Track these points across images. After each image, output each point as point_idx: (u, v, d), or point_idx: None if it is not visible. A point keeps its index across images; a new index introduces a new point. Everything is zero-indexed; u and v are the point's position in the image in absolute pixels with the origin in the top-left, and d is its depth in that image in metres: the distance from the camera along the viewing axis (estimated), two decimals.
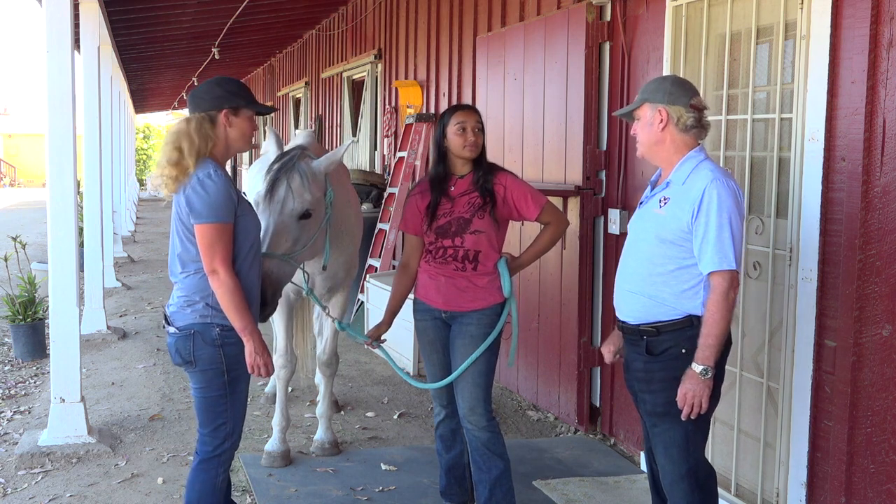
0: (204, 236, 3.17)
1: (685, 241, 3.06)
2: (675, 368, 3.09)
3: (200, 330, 3.24)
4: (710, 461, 3.32)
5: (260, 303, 3.61)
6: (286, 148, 4.27)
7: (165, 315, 3.35)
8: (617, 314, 3.31)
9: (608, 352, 3.44)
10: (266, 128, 4.16)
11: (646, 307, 3.15)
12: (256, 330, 3.28)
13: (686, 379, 3.03)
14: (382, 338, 4.03)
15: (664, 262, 3.10)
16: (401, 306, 4.03)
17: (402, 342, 6.85)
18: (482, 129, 3.83)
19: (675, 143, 3.13)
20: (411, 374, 6.69)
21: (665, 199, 3.12)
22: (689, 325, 3.08)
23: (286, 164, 3.92)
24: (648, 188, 3.29)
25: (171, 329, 3.29)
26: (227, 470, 3.44)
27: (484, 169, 3.82)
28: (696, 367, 3.01)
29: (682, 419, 3.07)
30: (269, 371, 3.30)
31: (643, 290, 3.15)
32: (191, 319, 3.25)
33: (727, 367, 3.27)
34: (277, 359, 4.88)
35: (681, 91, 3.12)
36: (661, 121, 3.12)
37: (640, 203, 3.29)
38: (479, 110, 3.93)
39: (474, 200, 3.77)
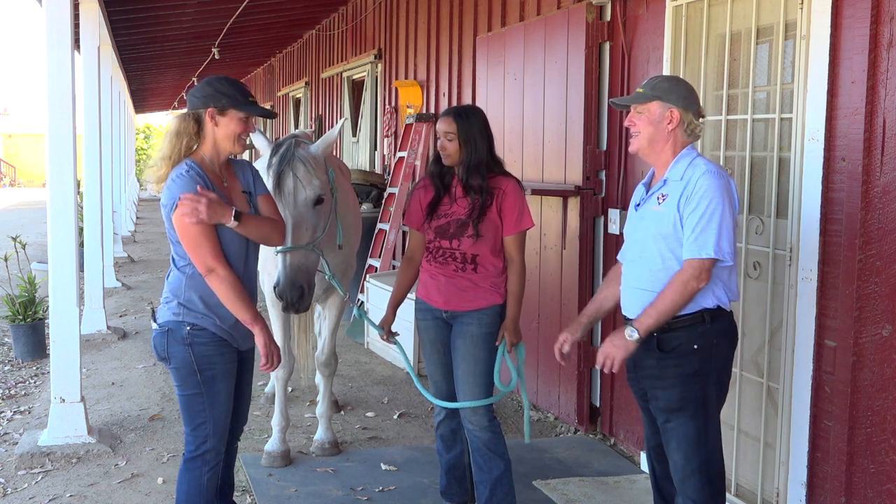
0: (184, 235, 3.17)
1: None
2: (688, 364, 3.11)
3: (173, 327, 3.28)
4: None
5: (298, 295, 3.81)
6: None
7: (153, 311, 3.41)
8: (624, 313, 3.31)
9: (560, 343, 3.41)
10: (256, 140, 4.14)
11: None
12: (263, 321, 3.31)
13: (613, 335, 3.11)
14: (394, 330, 4.02)
15: (669, 256, 3.12)
16: (403, 298, 4.03)
17: (402, 341, 6.84)
18: (456, 138, 3.73)
19: (675, 145, 3.18)
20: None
21: (663, 196, 3.15)
22: (701, 321, 3.11)
23: (285, 156, 3.92)
24: (642, 190, 3.30)
25: (154, 325, 3.35)
26: (214, 468, 3.41)
27: (469, 172, 3.73)
28: (628, 329, 3.07)
29: (598, 368, 3.17)
30: (278, 361, 3.34)
31: (654, 288, 3.15)
32: (167, 317, 3.30)
33: None
34: None
35: (693, 97, 3.19)
36: (671, 122, 3.14)
37: (636, 205, 3.30)
38: (460, 116, 3.78)
39: (474, 202, 3.76)
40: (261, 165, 4.76)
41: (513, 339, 3.80)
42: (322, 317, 5.06)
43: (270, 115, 3.63)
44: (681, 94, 3.16)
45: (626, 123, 3.29)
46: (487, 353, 3.76)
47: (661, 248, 3.14)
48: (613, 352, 3.11)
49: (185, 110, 3.31)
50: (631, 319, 3.27)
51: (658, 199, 3.17)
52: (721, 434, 3.25)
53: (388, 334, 4.00)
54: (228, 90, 3.26)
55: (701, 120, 3.20)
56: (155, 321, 3.35)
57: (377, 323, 4.04)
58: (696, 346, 3.09)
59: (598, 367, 3.18)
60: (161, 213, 3.30)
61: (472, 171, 3.74)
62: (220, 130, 3.26)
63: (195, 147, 3.27)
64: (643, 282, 3.21)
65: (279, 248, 3.84)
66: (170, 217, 3.20)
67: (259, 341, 3.30)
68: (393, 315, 4.03)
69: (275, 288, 3.93)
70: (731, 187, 3.08)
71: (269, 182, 3.88)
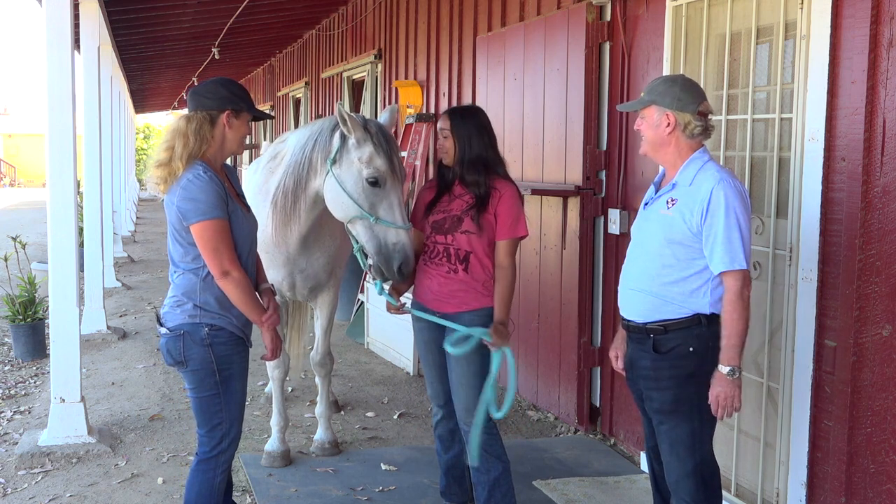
0: (202, 236, 3.16)
1: (693, 241, 3.07)
2: (683, 367, 3.11)
3: (189, 330, 3.26)
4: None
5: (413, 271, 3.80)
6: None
7: (157, 316, 3.36)
8: (622, 313, 3.31)
9: (614, 357, 3.48)
10: (345, 112, 4.00)
11: (654, 306, 3.16)
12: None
13: (715, 382, 3.05)
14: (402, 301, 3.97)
15: (673, 262, 3.11)
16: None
17: (401, 342, 6.86)
18: (451, 135, 3.78)
19: (680, 148, 3.16)
20: (411, 374, 6.69)
21: (672, 200, 3.14)
22: (697, 324, 3.10)
23: (390, 137, 3.94)
24: (652, 189, 3.30)
25: (163, 330, 3.32)
26: (226, 471, 3.44)
27: (464, 167, 3.76)
28: (723, 369, 3.02)
29: (718, 419, 3.11)
30: (277, 354, 3.46)
31: (651, 290, 3.16)
32: (180, 320, 3.27)
33: None
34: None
35: (689, 97, 3.13)
36: (668, 125, 3.13)
37: (645, 204, 3.30)
38: (455, 114, 3.85)
39: (468, 200, 3.77)
40: (256, 167, 4.76)
41: (497, 342, 3.65)
42: (314, 317, 5.05)
43: (271, 117, 3.84)
44: (675, 95, 3.12)
45: (634, 127, 3.30)
46: (479, 355, 3.74)
47: (665, 254, 3.13)
48: (726, 396, 3.03)
49: (196, 110, 3.26)
50: (629, 321, 3.27)
51: (668, 202, 3.15)
52: (713, 436, 3.25)
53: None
54: (241, 93, 3.35)
55: (706, 118, 3.14)
56: (162, 325, 3.31)
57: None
58: (691, 349, 3.09)
59: (720, 418, 3.10)
60: (165, 213, 3.28)
61: (467, 166, 3.77)
62: (232, 133, 3.32)
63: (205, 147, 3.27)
64: (640, 283, 3.21)
65: (407, 225, 3.79)
66: (181, 215, 3.17)
67: (266, 336, 3.39)
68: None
69: (399, 262, 3.81)
70: (745, 194, 3.09)
71: (380, 162, 3.82)
